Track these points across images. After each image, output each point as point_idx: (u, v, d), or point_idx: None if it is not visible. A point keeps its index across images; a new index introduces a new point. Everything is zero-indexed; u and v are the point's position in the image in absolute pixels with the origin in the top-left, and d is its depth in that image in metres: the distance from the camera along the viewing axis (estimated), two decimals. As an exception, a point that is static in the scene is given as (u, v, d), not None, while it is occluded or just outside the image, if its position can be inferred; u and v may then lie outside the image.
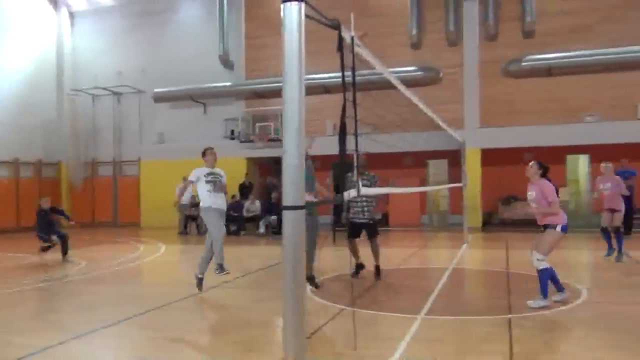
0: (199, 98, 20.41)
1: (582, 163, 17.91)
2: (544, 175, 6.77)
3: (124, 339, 5.74)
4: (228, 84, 19.83)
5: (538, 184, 6.68)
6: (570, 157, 17.39)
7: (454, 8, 17.52)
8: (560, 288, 6.63)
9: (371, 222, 8.61)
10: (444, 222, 18.79)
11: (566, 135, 15.97)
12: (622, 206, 10.16)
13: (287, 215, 2.47)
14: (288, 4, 2.43)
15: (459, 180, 13.96)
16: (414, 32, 17.83)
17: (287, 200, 2.45)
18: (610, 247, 10.32)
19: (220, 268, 7.59)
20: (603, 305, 6.72)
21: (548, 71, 16.52)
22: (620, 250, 10.01)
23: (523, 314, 6.16)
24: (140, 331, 5.93)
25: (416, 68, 17.55)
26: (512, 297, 7.12)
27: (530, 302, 6.42)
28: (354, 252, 8.65)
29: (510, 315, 6.08)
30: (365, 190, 3.50)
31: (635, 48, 15.68)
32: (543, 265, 6.46)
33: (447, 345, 5.17)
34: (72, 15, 22.74)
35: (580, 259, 11.33)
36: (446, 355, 4.85)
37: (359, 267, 8.73)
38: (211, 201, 7.56)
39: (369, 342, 5.19)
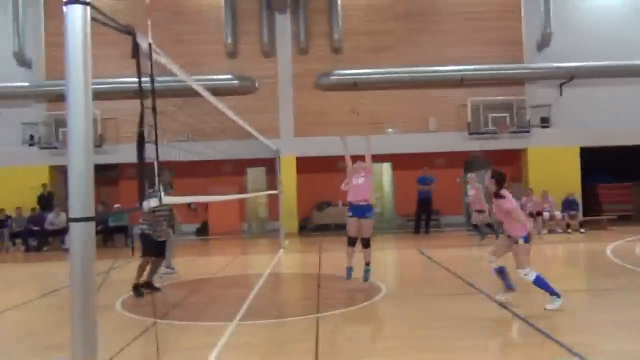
0: (-11, 99, 18.12)
1: (385, 170, 19.65)
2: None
3: None
4: (25, 84, 17.92)
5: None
6: (375, 165, 18.91)
7: (268, 20, 18.03)
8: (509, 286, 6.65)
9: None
10: (263, 228, 19.18)
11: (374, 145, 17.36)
12: None
13: (74, 228, 2.32)
14: (71, 5, 2.29)
15: (276, 188, 14.38)
16: (229, 41, 17.93)
17: (74, 212, 2.31)
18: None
19: None
20: (400, 298, 7.45)
21: (354, 85, 17.86)
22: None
23: (330, 312, 6.56)
24: None
25: (232, 77, 17.69)
26: (321, 298, 7.53)
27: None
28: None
29: (318, 315, 6.43)
30: (168, 200, 3.44)
31: (426, 69, 17.74)
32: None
33: (258, 348, 5.29)
34: None
35: (384, 258, 12.38)
36: (256, 358, 4.97)
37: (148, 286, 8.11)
38: None
39: (181, 353, 5.10)
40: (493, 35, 18.16)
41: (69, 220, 2.30)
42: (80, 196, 2.30)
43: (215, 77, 16.99)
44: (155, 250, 8.08)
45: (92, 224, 2.32)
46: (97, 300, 2.42)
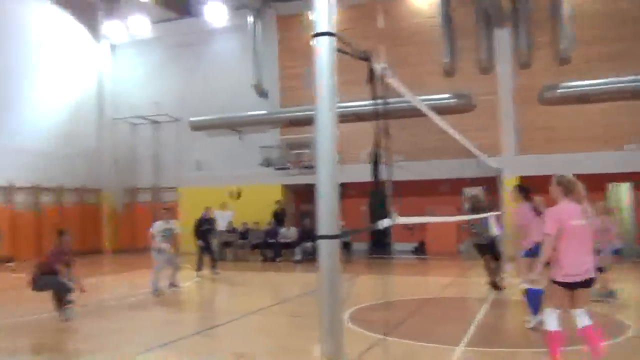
0: (235, 126, 20.78)
1: (624, 191, 17.38)
2: (526, 198, 7.24)
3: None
4: (263, 112, 20.17)
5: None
6: (612, 185, 16.89)
7: (486, 36, 17.47)
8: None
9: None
10: (482, 250, 18.40)
11: (607, 163, 15.55)
12: None
13: (322, 245, 2.48)
14: (319, 37, 2.49)
15: (497, 208, 13.71)
16: (447, 60, 17.81)
17: (322, 230, 2.47)
18: None
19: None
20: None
21: (585, 98, 16.21)
22: None
23: (567, 347, 5.95)
24: (176, 357, 5.97)
25: (450, 95, 17.49)
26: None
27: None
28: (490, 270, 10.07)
29: (551, 348, 5.88)
30: (399, 220, 3.49)
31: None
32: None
33: (485, 378, 5.05)
34: (112, 47, 23.63)
35: (627, 291, 10.90)
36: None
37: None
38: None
39: (405, 373, 5.11)
40: None
41: (318, 237, 2.47)
42: (327, 215, 2.46)
43: (432, 96, 17.01)
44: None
45: (337, 241, 2.46)
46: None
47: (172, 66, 22.48)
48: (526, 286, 6.95)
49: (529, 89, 17.11)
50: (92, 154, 22.59)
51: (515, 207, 7.43)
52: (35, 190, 19.80)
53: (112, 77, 23.53)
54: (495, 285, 10.09)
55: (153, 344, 6.38)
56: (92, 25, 23.04)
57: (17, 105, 19.37)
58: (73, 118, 21.64)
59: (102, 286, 12.25)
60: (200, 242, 13.67)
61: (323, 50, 2.50)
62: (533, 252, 6.92)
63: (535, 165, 16.41)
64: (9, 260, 16.97)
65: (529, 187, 7.51)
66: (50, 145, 20.38)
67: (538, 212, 7.05)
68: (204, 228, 13.93)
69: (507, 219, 14.13)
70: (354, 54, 2.91)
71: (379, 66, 3.32)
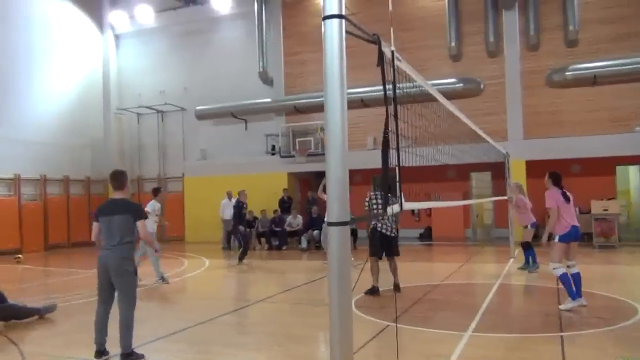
0: (240, 114, 20.71)
1: (632, 174, 17.27)
2: (555, 184, 7.38)
3: (166, 354, 5.80)
4: (268, 100, 20.08)
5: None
6: (619, 168, 16.77)
7: (494, 19, 17.28)
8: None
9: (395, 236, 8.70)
10: (489, 236, 18.40)
11: (615, 146, 15.42)
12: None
13: (333, 232, 2.44)
14: (329, 20, 2.43)
15: (503, 193, 13.65)
16: (453, 44, 17.65)
17: (331, 217, 2.43)
18: None
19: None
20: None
21: (593, 80, 16.03)
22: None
23: (576, 331, 5.93)
24: (184, 346, 5.98)
25: (456, 80, 17.33)
26: (564, 314, 6.87)
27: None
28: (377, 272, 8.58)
29: (562, 333, 5.86)
30: (408, 205, 3.45)
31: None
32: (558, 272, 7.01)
33: (495, 364, 5.02)
34: (117, 37, 23.52)
35: (635, 274, 10.87)
36: (495, 374, 4.71)
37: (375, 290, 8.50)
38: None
39: (415, 359, 5.09)
40: None
41: (328, 224, 2.43)
42: (338, 202, 2.42)
43: (439, 81, 16.85)
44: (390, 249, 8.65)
45: (348, 228, 2.42)
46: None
47: (176, 55, 22.38)
48: (559, 272, 6.90)
49: (536, 72, 16.95)
50: (98, 145, 22.62)
51: (547, 191, 7.39)
52: (42, 181, 19.85)
53: (117, 67, 23.47)
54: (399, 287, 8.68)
55: (157, 335, 6.39)
56: (97, 15, 22.95)
57: (22, 96, 19.35)
58: (78, 109, 21.62)
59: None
60: (241, 228, 13.48)
61: (333, 33, 2.43)
62: (567, 237, 7.05)
63: (542, 149, 16.33)
64: (16, 252, 17.04)
65: (560, 174, 7.49)
66: (56, 136, 20.40)
67: (567, 198, 7.19)
68: (242, 212, 13.67)
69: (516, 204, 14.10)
70: (364, 37, 2.85)
71: (388, 49, 3.25)
